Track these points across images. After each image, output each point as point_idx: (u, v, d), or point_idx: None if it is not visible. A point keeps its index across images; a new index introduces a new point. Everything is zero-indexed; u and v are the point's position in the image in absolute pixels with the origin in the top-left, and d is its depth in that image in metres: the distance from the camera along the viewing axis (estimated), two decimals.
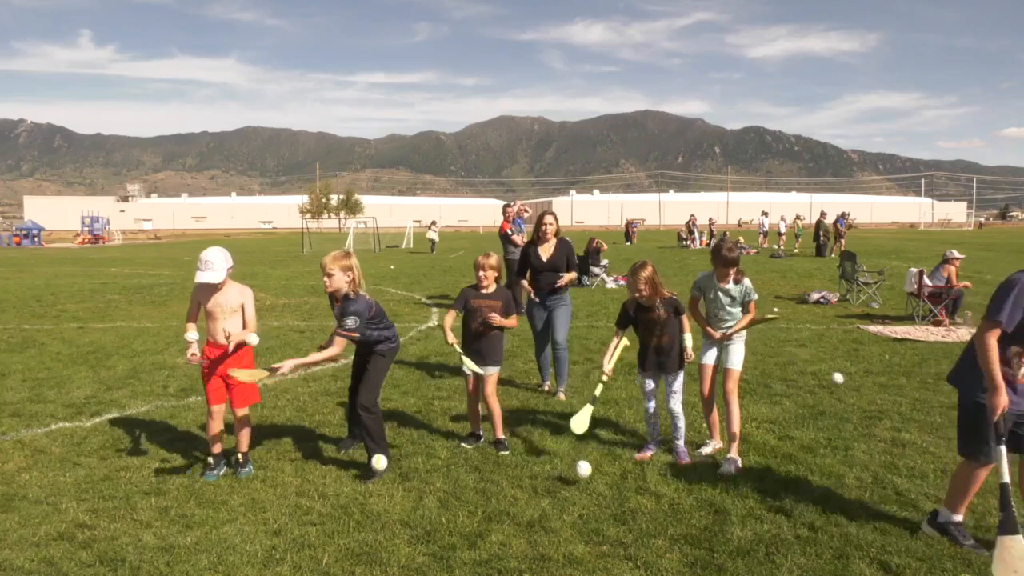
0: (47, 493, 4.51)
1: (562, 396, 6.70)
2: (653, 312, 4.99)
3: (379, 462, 4.61)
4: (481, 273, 5.29)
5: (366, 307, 4.70)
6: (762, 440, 5.39)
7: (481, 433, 5.46)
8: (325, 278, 4.71)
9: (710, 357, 5.17)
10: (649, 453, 5.08)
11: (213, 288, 4.68)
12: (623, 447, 5.25)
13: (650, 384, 5.14)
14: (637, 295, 4.95)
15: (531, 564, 3.57)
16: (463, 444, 5.35)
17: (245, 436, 4.90)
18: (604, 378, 5.02)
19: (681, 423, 5.08)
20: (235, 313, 4.75)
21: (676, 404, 5.08)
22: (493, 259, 5.33)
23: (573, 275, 6.78)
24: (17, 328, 11.13)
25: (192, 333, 4.75)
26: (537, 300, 6.84)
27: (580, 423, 4.99)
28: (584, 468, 4.62)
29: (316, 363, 4.90)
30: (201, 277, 4.60)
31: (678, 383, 5.11)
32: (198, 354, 4.72)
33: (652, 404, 5.15)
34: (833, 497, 4.32)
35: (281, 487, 4.60)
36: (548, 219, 6.82)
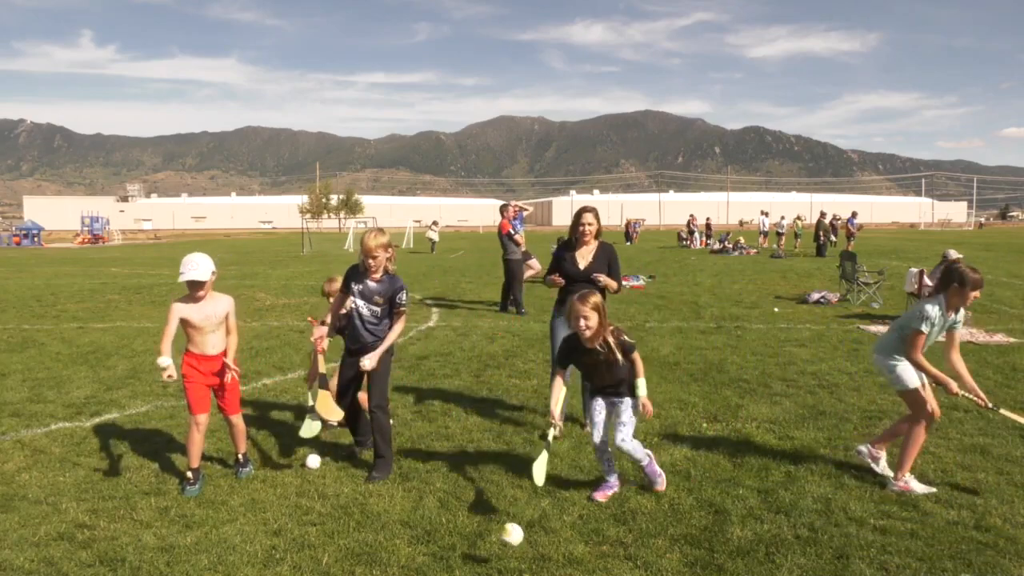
0: (47, 493, 4.51)
1: None
2: (598, 355, 4.25)
3: (314, 460, 4.94)
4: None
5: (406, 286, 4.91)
6: (762, 440, 5.39)
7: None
8: (370, 260, 4.63)
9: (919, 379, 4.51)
10: (611, 491, 4.35)
11: (199, 301, 4.57)
12: None
13: (598, 409, 4.40)
14: (581, 332, 4.17)
15: (531, 564, 3.57)
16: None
17: (242, 438, 4.89)
18: (554, 426, 4.19)
19: (640, 454, 4.34)
20: (222, 325, 4.69)
21: (627, 441, 4.25)
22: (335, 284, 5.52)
23: (613, 283, 5.53)
24: (17, 328, 11.13)
25: (166, 359, 4.46)
26: (561, 314, 5.51)
27: (539, 472, 4.10)
28: (516, 534, 3.57)
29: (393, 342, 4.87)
30: (186, 276, 4.49)
31: (628, 412, 4.33)
32: (175, 375, 4.52)
33: (598, 434, 4.36)
34: (833, 497, 4.32)
35: (281, 487, 4.60)
36: (588, 217, 5.50)
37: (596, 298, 4.19)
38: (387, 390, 4.92)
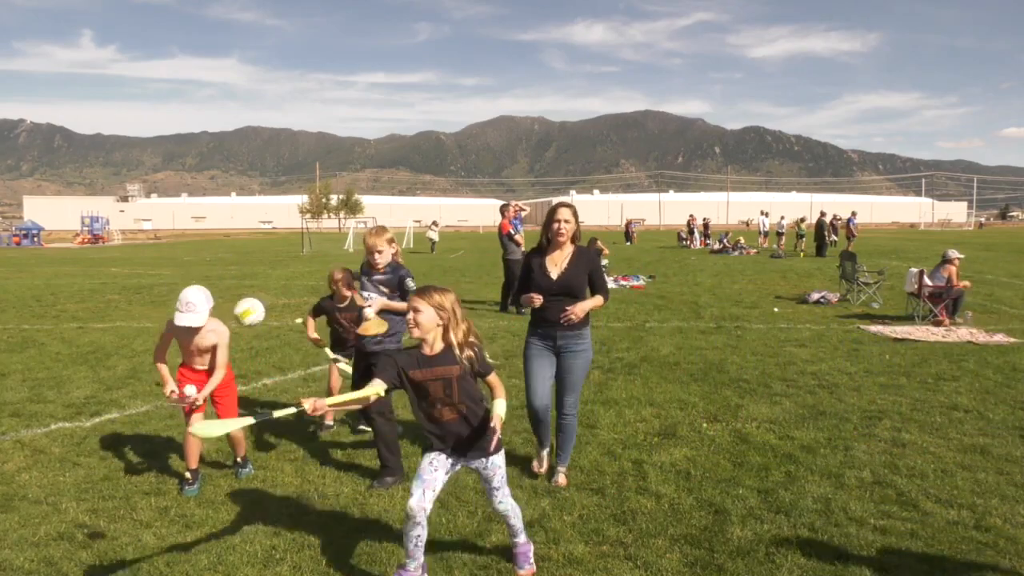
0: (47, 493, 4.51)
1: (562, 480, 4.58)
2: (437, 367, 3.19)
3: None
4: (337, 287, 5.77)
5: (411, 273, 4.83)
6: (762, 440, 5.39)
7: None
8: (375, 256, 4.70)
9: None
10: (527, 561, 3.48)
11: (193, 329, 4.51)
12: (623, 447, 5.25)
13: (435, 466, 3.27)
14: (410, 331, 3.23)
15: None
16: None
17: (239, 443, 4.85)
18: (304, 406, 3.09)
19: (514, 518, 3.45)
20: (206, 354, 4.63)
21: (505, 502, 3.39)
22: (341, 273, 5.79)
23: (599, 301, 4.49)
24: (17, 328, 11.13)
25: (171, 384, 4.49)
26: (536, 337, 4.58)
27: (209, 427, 3.24)
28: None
29: (397, 309, 4.65)
30: (182, 320, 4.37)
31: (499, 477, 3.35)
32: (177, 391, 4.51)
33: (421, 504, 3.21)
34: (833, 497, 4.32)
35: (281, 487, 4.60)
36: (563, 214, 4.46)
37: (442, 299, 3.17)
38: (389, 396, 4.84)
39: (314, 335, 5.79)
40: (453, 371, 3.19)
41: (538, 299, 4.37)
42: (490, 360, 3.33)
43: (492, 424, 3.14)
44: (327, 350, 5.88)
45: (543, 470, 4.72)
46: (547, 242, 4.54)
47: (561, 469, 4.66)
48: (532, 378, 4.57)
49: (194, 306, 4.40)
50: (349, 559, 3.64)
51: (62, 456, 5.18)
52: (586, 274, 4.48)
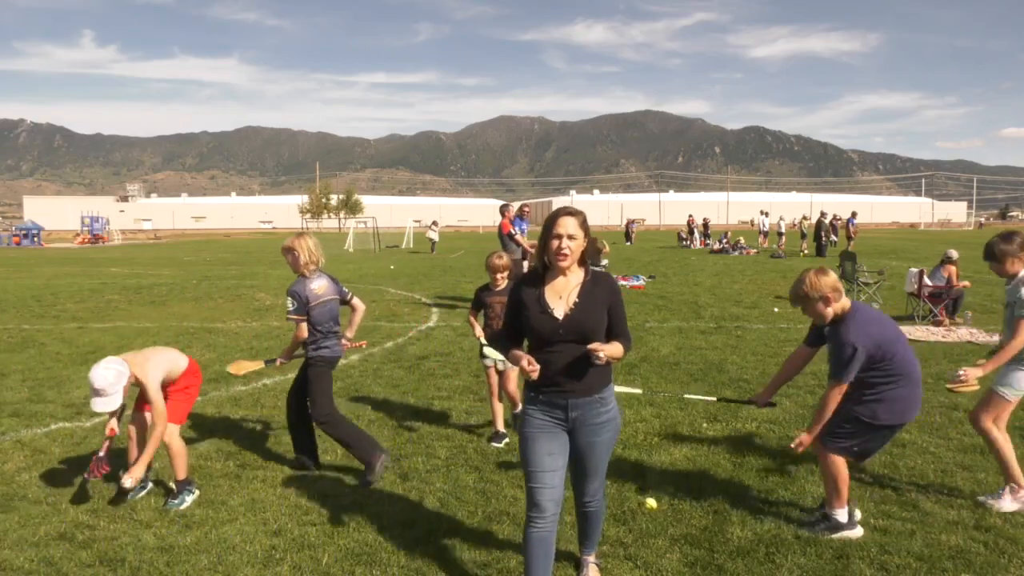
0: (47, 493, 4.52)
1: (595, 573, 3.44)
2: None
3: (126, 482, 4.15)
4: (498, 275, 5.44)
5: (296, 291, 4.66)
6: (762, 440, 5.39)
7: (504, 431, 5.49)
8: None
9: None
10: None
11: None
12: (623, 447, 5.25)
13: None
14: None
15: None
16: (493, 443, 5.37)
17: (171, 459, 4.45)
18: None
19: None
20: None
21: None
22: (505, 259, 5.54)
23: (619, 349, 2.97)
24: (17, 328, 11.13)
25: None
26: (536, 406, 3.03)
27: None
28: None
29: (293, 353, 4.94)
30: (98, 406, 4.06)
31: None
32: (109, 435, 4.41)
33: None
34: None
35: (281, 487, 4.61)
36: (565, 226, 2.98)
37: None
38: (322, 403, 4.73)
39: (479, 334, 5.53)
40: None
41: (534, 371, 2.87)
42: None
43: None
44: (485, 348, 5.48)
45: None
46: (543, 267, 3.07)
47: (590, 558, 3.45)
48: (533, 475, 2.98)
49: (105, 390, 4.05)
50: (349, 559, 3.64)
51: (62, 456, 5.18)
52: (605, 310, 3.02)
